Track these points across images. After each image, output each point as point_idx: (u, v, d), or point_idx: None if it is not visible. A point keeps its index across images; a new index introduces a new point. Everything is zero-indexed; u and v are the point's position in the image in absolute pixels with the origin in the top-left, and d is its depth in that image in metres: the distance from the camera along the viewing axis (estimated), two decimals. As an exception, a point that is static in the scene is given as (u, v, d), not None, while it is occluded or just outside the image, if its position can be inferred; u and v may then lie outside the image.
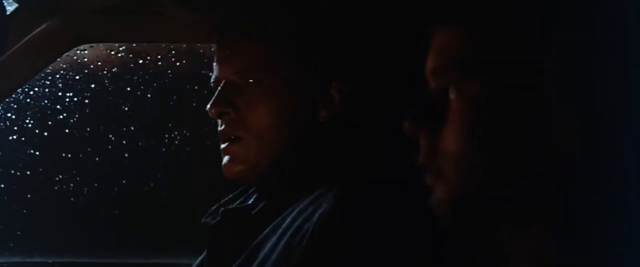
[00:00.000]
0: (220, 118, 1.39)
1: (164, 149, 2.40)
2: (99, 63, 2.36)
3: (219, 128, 1.40)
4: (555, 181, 0.83)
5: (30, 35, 1.84)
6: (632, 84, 0.80)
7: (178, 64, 2.36)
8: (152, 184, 2.41)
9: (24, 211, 2.37)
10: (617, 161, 0.81)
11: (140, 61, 2.37)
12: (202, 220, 1.43)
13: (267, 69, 1.37)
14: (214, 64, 1.42)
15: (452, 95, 0.86)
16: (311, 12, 1.39)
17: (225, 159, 1.39)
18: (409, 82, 1.16)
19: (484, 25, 0.85)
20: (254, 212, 1.37)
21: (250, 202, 1.42)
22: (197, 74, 2.34)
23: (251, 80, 1.36)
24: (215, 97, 1.38)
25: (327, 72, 1.38)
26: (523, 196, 0.84)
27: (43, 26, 1.85)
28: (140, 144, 2.40)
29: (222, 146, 1.40)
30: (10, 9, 1.80)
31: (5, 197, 2.37)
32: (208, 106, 1.39)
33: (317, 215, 1.26)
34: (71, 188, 2.39)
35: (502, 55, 0.84)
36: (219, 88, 1.39)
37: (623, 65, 0.80)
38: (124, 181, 2.40)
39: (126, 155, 2.40)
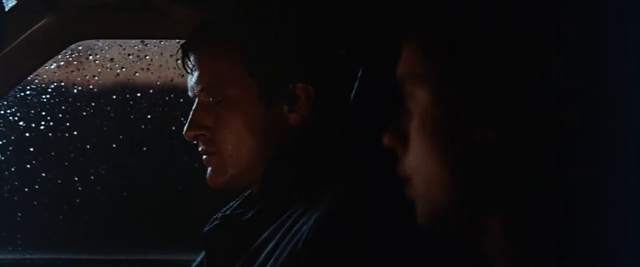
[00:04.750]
0: (195, 141, 1.42)
1: (163, 147, 2.40)
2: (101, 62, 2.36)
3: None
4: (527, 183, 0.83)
5: (28, 33, 1.84)
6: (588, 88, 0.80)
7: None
8: (151, 182, 2.41)
9: (23, 208, 2.37)
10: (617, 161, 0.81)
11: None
12: (205, 230, 1.44)
13: (230, 83, 1.38)
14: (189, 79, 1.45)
15: (410, 109, 0.87)
16: (263, 17, 1.40)
17: (208, 170, 1.42)
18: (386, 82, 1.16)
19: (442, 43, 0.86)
20: (248, 217, 1.38)
21: (247, 208, 1.43)
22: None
23: (218, 97, 1.38)
24: (189, 122, 1.41)
25: (289, 75, 1.38)
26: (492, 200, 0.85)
27: (41, 23, 1.84)
28: (139, 141, 2.40)
29: (204, 158, 1.42)
30: (8, 6, 1.80)
31: (5, 194, 2.37)
32: (183, 131, 1.42)
33: (313, 219, 1.26)
34: (70, 185, 2.38)
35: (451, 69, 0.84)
36: (192, 110, 1.42)
37: (583, 68, 0.80)
38: (123, 178, 2.40)
39: (125, 153, 2.40)
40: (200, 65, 1.41)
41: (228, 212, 1.45)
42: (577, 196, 0.82)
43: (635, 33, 0.79)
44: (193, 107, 1.42)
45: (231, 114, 1.38)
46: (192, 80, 1.42)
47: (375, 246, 1.23)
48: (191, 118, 1.41)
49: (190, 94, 1.44)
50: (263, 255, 1.31)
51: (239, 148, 1.38)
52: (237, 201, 1.49)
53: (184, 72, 1.45)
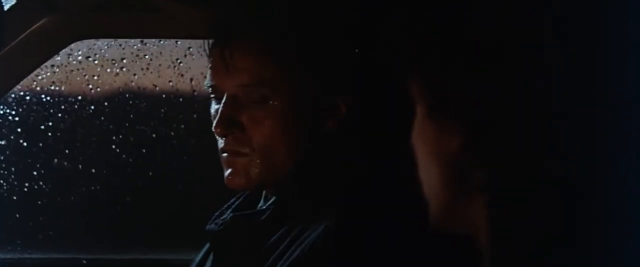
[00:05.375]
0: (225, 137, 1.36)
1: (163, 147, 2.40)
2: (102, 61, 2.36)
3: (220, 143, 1.37)
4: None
5: (27, 32, 1.84)
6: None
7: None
8: (151, 182, 2.41)
9: (23, 208, 2.37)
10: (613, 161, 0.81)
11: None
12: (206, 227, 1.41)
13: (272, 85, 1.34)
14: (212, 70, 1.39)
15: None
16: (316, 25, 1.37)
17: (228, 171, 1.36)
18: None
19: None
20: (263, 217, 1.36)
21: (259, 207, 1.41)
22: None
23: (257, 98, 1.34)
24: (220, 117, 1.35)
25: (333, 84, 1.36)
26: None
27: (40, 22, 1.84)
28: (139, 139, 2.40)
29: (224, 157, 1.37)
30: (7, 5, 1.79)
31: (5, 194, 2.37)
32: (213, 126, 1.36)
33: (322, 227, 1.25)
34: (70, 185, 2.38)
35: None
36: (222, 105, 1.35)
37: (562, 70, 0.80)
38: (123, 178, 2.40)
39: (125, 153, 2.40)
40: (243, 61, 1.35)
41: (229, 212, 1.43)
42: (576, 196, 0.82)
43: (635, 33, 0.79)
44: (223, 102, 1.36)
45: (269, 116, 1.33)
46: (227, 73, 1.35)
47: (384, 256, 1.23)
48: (222, 114, 1.35)
49: (212, 86, 1.38)
50: (270, 261, 1.30)
51: (269, 150, 1.34)
52: (237, 198, 1.47)
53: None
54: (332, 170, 1.36)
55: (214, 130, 1.36)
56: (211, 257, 1.42)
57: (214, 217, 1.43)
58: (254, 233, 1.34)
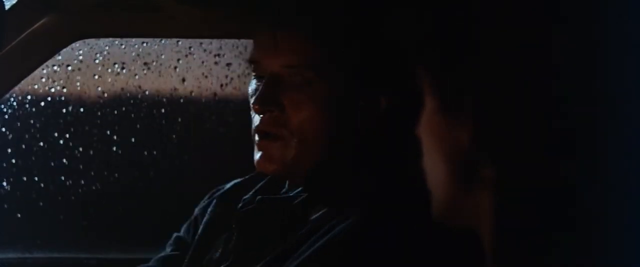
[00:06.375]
0: (262, 115, 1.35)
1: (164, 147, 2.40)
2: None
3: (256, 122, 1.36)
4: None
5: (28, 31, 1.84)
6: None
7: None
8: (151, 182, 2.41)
9: (23, 208, 2.37)
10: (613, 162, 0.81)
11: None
12: (209, 198, 1.40)
13: (318, 69, 1.33)
14: (257, 48, 1.38)
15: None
16: (368, 19, 1.36)
17: (259, 154, 1.35)
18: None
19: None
20: (294, 202, 1.34)
21: (284, 192, 1.40)
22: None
23: (300, 80, 1.33)
24: (261, 93, 1.34)
25: (376, 82, 1.36)
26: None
27: (42, 22, 1.84)
28: (139, 139, 2.40)
29: (257, 140, 1.36)
30: (8, 4, 1.80)
31: (5, 194, 2.37)
32: (252, 100, 1.35)
33: (349, 221, 1.26)
34: (71, 185, 2.38)
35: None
36: (265, 82, 1.34)
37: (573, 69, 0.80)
38: (122, 177, 2.40)
39: (126, 153, 2.40)
40: (292, 42, 1.34)
41: (251, 193, 1.42)
42: (576, 197, 0.82)
43: (635, 33, 0.79)
44: (265, 79, 1.35)
45: (310, 100, 1.33)
46: (273, 53, 1.35)
47: (408, 252, 1.23)
48: (263, 90, 1.34)
49: (254, 62, 1.37)
50: (294, 247, 1.29)
51: (306, 135, 1.33)
52: (256, 181, 1.45)
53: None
54: (365, 167, 1.35)
55: (252, 106, 1.35)
56: (234, 237, 1.40)
57: (214, 193, 1.43)
58: (282, 217, 1.33)
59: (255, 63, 1.38)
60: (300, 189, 1.37)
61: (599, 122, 0.81)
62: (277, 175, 1.37)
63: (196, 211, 1.51)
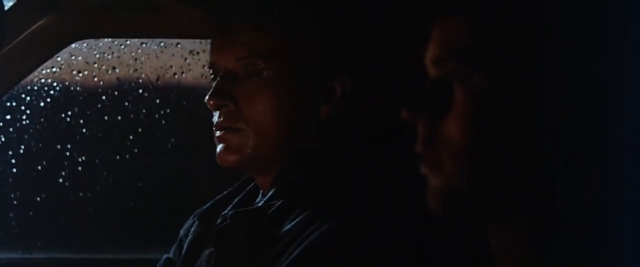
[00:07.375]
0: (218, 110, 1.36)
1: (164, 147, 2.40)
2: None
3: (215, 118, 1.38)
4: (547, 178, 0.82)
5: (28, 31, 1.84)
6: (629, 84, 0.79)
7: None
8: (151, 182, 2.41)
9: (23, 208, 2.37)
10: (613, 161, 0.80)
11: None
12: (193, 219, 1.41)
13: (269, 59, 1.34)
14: (212, 49, 1.40)
15: (454, 85, 0.85)
16: (317, 4, 1.37)
17: (220, 147, 1.37)
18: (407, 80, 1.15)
19: (487, 17, 0.85)
20: (269, 212, 1.34)
21: (257, 202, 1.40)
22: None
23: (252, 71, 1.34)
24: (214, 89, 1.36)
25: (329, 66, 1.36)
26: (512, 192, 0.84)
27: (41, 22, 1.84)
28: (139, 139, 2.40)
29: (217, 134, 1.37)
30: (8, 4, 1.79)
31: (5, 194, 2.37)
32: (206, 97, 1.36)
33: (326, 225, 1.25)
34: (71, 185, 2.38)
35: (504, 49, 0.83)
36: (218, 78, 1.36)
37: (622, 63, 0.80)
38: (122, 177, 2.40)
39: (126, 153, 2.40)
40: (242, 34, 1.36)
41: (229, 207, 1.42)
42: (576, 197, 0.82)
43: (635, 33, 0.79)
44: (219, 76, 1.36)
45: (264, 90, 1.34)
46: (225, 48, 1.37)
47: (389, 253, 1.23)
48: (217, 86, 1.35)
49: (212, 64, 1.39)
50: (272, 257, 1.29)
51: (263, 127, 1.33)
52: (235, 195, 1.46)
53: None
54: (330, 158, 1.35)
55: (206, 102, 1.37)
56: (210, 253, 1.40)
57: (196, 213, 1.43)
58: (257, 229, 1.33)
59: (212, 65, 1.39)
60: (270, 195, 1.37)
61: (599, 122, 0.81)
62: (238, 165, 1.38)
63: (181, 232, 1.52)
